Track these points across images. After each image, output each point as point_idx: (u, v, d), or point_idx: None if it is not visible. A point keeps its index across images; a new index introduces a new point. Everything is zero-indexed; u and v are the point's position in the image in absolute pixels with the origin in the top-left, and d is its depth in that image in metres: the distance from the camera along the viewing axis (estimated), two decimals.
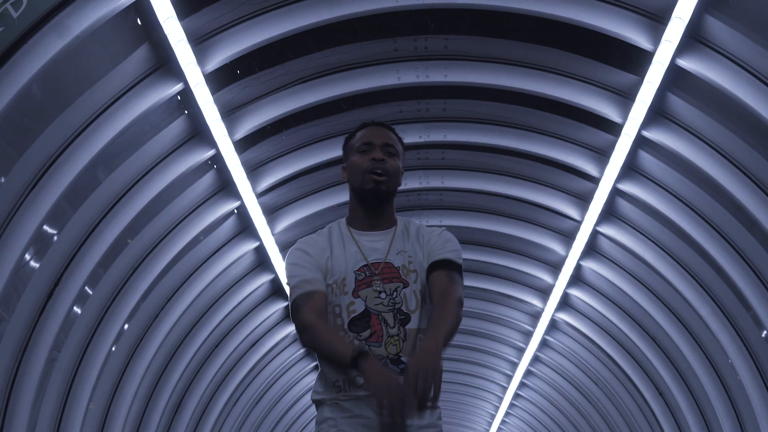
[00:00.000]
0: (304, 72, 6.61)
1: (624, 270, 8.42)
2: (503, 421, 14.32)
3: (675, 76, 6.01)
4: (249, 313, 9.24)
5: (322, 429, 2.98)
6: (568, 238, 8.60)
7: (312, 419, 12.74)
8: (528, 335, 11.03)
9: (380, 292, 2.97)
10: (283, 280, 9.00)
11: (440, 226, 3.22)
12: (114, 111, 5.74)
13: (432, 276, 3.03)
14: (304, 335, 2.93)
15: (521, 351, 11.58)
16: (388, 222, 3.12)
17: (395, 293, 2.98)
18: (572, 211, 8.16)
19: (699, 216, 6.91)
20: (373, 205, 3.10)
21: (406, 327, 2.96)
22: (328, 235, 3.13)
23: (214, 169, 7.22)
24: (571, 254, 8.65)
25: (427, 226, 3.20)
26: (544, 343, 10.99)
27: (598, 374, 10.23)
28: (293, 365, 11.00)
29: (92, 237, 6.34)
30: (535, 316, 10.40)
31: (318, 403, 3.03)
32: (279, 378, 10.90)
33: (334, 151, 7.51)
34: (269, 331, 9.89)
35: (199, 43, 5.85)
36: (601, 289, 8.99)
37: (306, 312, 2.93)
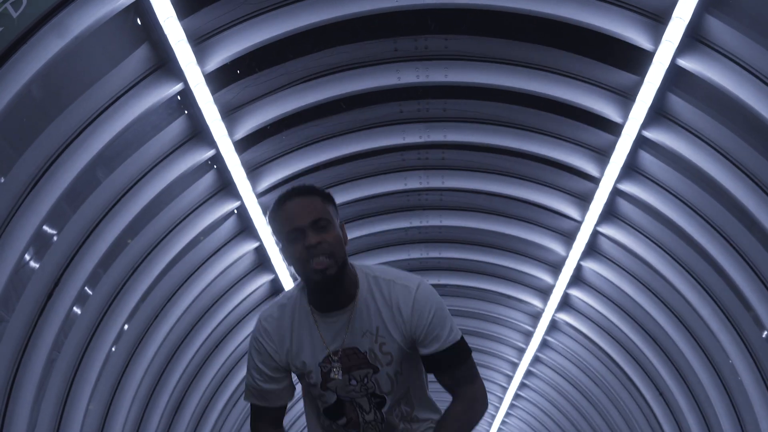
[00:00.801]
0: (305, 72, 6.61)
1: (624, 270, 8.41)
2: (503, 422, 14.32)
3: (675, 76, 6.00)
4: (249, 313, 9.24)
5: None
6: (568, 238, 8.60)
7: None
8: (528, 336, 11.02)
9: (350, 380, 2.78)
10: (284, 279, 9.00)
11: (410, 283, 2.85)
12: (114, 111, 5.73)
13: (442, 378, 2.82)
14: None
15: (521, 351, 11.57)
16: (347, 297, 2.84)
17: (366, 379, 2.80)
18: (572, 212, 8.16)
19: (699, 216, 6.91)
20: (329, 291, 2.84)
21: (383, 410, 2.82)
22: (291, 313, 2.90)
23: (214, 170, 7.22)
24: (571, 254, 8.64)
25: (397, 281, 2.86)
26: (544, 344, 10.98)
27: (599, 375, 10.22)
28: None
29: (92, 237, 6.33)
30: (536, 316, 10.39)
31: None
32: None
33: (335, 152, 7.51)
34: None
35: (199, 43, 5.85)
36: (601, 289, 8.98)
37: (253, 418, 3.03)
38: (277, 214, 2.86)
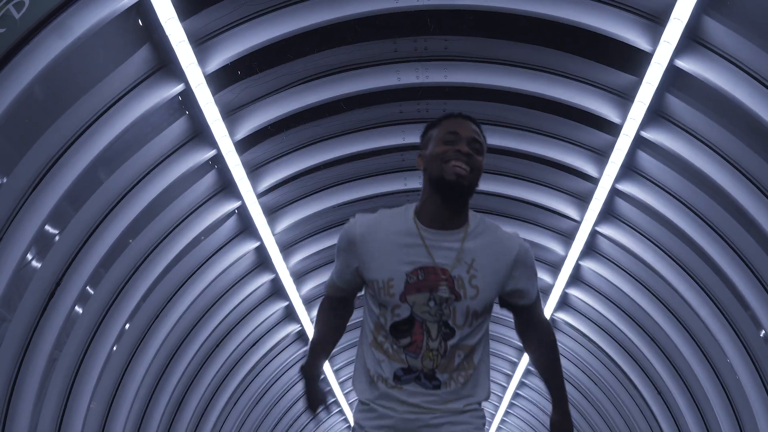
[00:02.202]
0: (305, 72, 6.63)
1: (623, 270, 8.43)
2: (503, 421, 14.34)
3: (673, 77, 6.03)
4: (249, 312, 9.26)
5: None
6: (567, 238, 8.62)
7: (312, 418, 12.75)
8: None
9: (429, 300, 2.77)
10: (284, 279, 9.02)
11: (514, 234, 2.95)
12: (115, 112, 5.76)
13: (528, 317, 3.02)
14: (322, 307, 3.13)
15: (521, 351, 11.60)
16: (459, 221, 2.85)
17: (445, 304, 2.78)
18: (571, 212, 8.18)
19: (697, 216, 6.93)
20: (451, 199, 2.81)
21: (448, 342, 2.79)
22: (390, 220, 2.88)
23: (215, 170, 7.24)
24: (570, 254, 8.67)
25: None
26: None
27: (597, 374, 10.24)
28: (294, 365, 11.01)
29: (93, 237, 6.36)
30: None
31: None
32: (279, 378, 10.92)
33: (335, 152, 7.53)
34: (270, 330, 9.91)
35: (200, 43, 5.87)
36: (600, 288, 9.00)
37: (321, 306, 3.11)
38: (442, 120, 2.93)
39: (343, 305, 3.08)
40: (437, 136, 2.88)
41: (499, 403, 13.63)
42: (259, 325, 9.56)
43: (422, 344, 2.78)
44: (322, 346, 3.08)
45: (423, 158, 2.91)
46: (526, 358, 11.57)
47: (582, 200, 7.97)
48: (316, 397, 3.03)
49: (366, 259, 2.83)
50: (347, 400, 13.40)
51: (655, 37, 5.74)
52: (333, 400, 3.34)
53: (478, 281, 2.80)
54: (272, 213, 8.14)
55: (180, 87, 5.95)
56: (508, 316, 10.76)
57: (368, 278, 2.83)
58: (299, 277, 9.34)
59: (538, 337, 3.07)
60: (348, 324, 3.17)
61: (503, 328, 11.23)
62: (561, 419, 3.08)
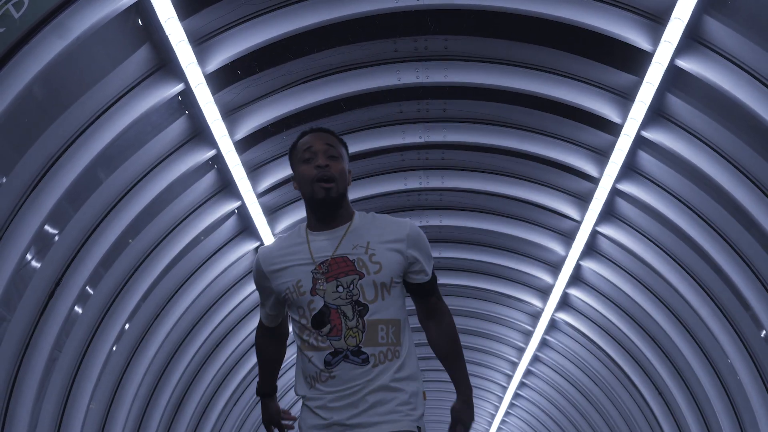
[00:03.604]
0: (305, 72, 6.62)
1: (623, 270, 8.43)
2: (503, 421, 14.33)
3: (674, 77, 6.02)
4: (249, 313, 9.26)
5: None
6: (567, 238, 8.61)
7: None
8: (528, 335, 11.04)
9: (337, 287, 3.04)
10: None
11: (403, 220, 3.22)
12: (115, 111, 5.75)
13: (428, 298, 3.21)
14: (256, 341, 3.54)
15: (521, 351, 11.59)
16: (342, 220, 3.15)
17: (351, 285, 3.03)
18: (572, 212, 8.17)
19: (698, 216, 6.92)
20: (327, 210, 3.14)
21: (365, 318, 3.02)
22: (288, 237, 3.22)
23: (215, 170, 7.23)
24: (570, 254, 8.66)
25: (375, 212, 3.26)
26: (543, 343, 11.00)
27: (598, 374, 10.24)
28: (294, 365, 11.00)
29: (93, 237, 6.35)
30: (535, 316, 10.41)
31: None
32: (279, 378, 10.90)
33: None
34: None
35: (200, 43, 5.86)
36: (600, 289, 9.00)
37: (256, 335, 3.51)
38: (296, 143, 3.26)
39: (274, 328, 3.46)
40: (298, 158, 3.21)
41: (500, 403, 13.63)
42: None
43: (341, 326, 3.02)
44: (268, 366, 3.55)
45: (295, 181, 3.24)
46: (526, 358, 11.57)
47: (582, 200, 7.97)
48: (273, 416, 3.53)
49: (275, 276, 3.14)
50: None
51: (656, 36, 5.73)
52: (291, 421, 3.46)
53: (378, 257, 3.06)
54: (272, 213, 8.14)
55: (180, 87, 5.94)
56: (507, 316, 10.81)
57: (282, 290, 3.13)
58: None
59: (438, 323, 3.23)
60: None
61: (503, 328, 11.23)
62: (461, 407, 3.22)
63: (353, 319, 3.02)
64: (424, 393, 3.15)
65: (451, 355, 3.23)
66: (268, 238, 8.22)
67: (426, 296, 3.22)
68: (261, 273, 3.19)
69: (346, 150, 3.27)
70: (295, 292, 3.08)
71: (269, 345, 3.51)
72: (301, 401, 3.15)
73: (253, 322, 9.43)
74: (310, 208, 3.19)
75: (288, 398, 11.60)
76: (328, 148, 3.16)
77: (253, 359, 9.91)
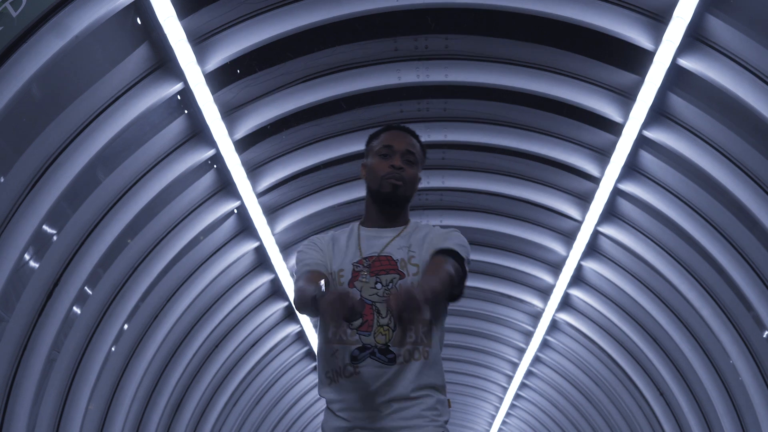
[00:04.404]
0: (304, 72, 6.60)
1: (625, 270, 8.40)
2: (504, 422, 14.31)
3: (676, 76, 6.00)
4: (249, 313, 9.23)
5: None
6: (568, 238, 8.59)
7: (313, 419, 12.74)
8: (529, 335, 11.02)
9: (376, 283, 3.04)
10: (284, 279, 9.00)
11: (453, 227, 3.25)
12: (114, 110, 5.73)
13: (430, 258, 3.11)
14: (294, 299, 3.11)
15: (522, 351, 11.57)
16: (397, 223, 3.19)
17: (390, 284, 3.03)
18: (573, 211, 8.15)
19: (700, 216, 6.90)
20: (387, 207, 3.18)
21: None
22: (340, 233, 3.24)
23: (214, 169, 7.21)
24: (571, 254, 8.64)
25: (441, 227, 3.24)
26: (544, 344, 10.98)
27: (599, 375, 10.22)
28: (293, 365, 10.99)
29: (92, 237, 6.33)
30: (536, 316, 10.39)
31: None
32: (279, 378, 10.90)
33: (335, 151, 7.50)
34: (269, 331, 9.88)
35: (199, 42, 5.84)
36: (601, 289, 8.98)
37: (298, 282, 3.12)
38: (379, 133, 3.24)
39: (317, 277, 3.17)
40: (375, 149, 3.20)
41: (500, 403, 13.61)
42: (258, 326, 9.54)
43: (373, 322, 3.00)
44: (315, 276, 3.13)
45: (364, 168, 3.24)
46: (527, 359, 11.55)
47: (583, 200, 7.95)
48: (349, 303, 2.78)
49: (326, 254, 3.15)
50: None
51: (658, 35, 5.71)
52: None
53: (417, 260, 3.08)
54: (272, 213, 8.12)
55: (179, 86, 5.92)
56: (507, 316, 10.78)
57: (329, 266, 3.13)
58: None
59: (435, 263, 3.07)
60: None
61: (503, 328, 11.21)
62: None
63: (386, 317, 3.00)
64: (449, 401, 3.11)
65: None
66: (267, 238, 8.20)
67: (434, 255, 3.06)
68: (317, 243, 3.20)
69: (424, 157, 3.29)
70: (335, 281, 3.08)
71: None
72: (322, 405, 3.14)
73: (253, 322, 9.42)
74: (372, 201, 3.22)
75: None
76: (408, 153, 3.17)
77: (254, 358, 9.90)
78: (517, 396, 13.07)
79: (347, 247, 3.15)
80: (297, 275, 3.16)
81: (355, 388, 2.97)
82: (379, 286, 3.04)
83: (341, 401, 3.00)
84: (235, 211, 7.85)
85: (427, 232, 3.17)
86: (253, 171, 7.44)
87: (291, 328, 10.19)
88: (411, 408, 2.95)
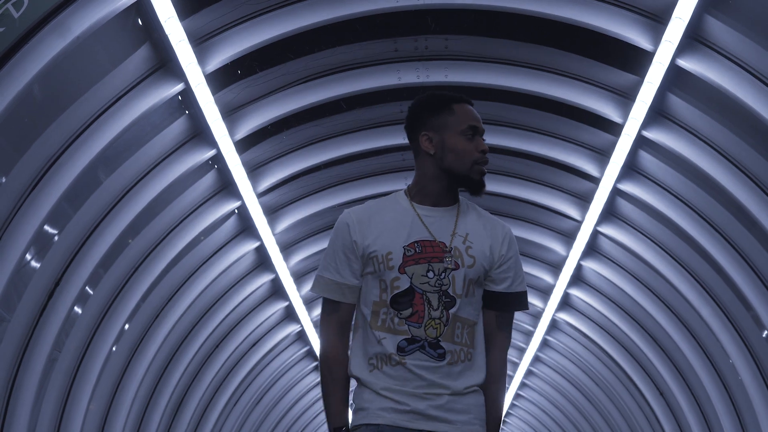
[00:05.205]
0: (305, 72, 6.61)
1: (624, 270, 8.42)
2: (504, 421, 14.33)
3: (675, 77, 6.01)
4: (249, 313, 9.25)
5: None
6: (568, 238, 8.60)
7: (313, 418, 12.75)
8: (528, 335, 11.04)
9: (428, 271, 2.84)
10: (284, 279, 9.01)
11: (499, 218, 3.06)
12: (115, 111, 5.74)
13: (496, 315, 2.93)
14: (320, 365, 2.93)
15: (522, 351, 11.59)
16: (453, 199, 2.98)
17: (443, 274, 2.84)
18: (572, 211, 8.16)
19: (699, 216, 6.91)
20: (467, 191, 2.99)
21: (450, 311, 2.83)
22: (381, 206, 2.96)
23: (215, 169, 7.23)
24: (571, 254, 8.65)
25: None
26: (544, 343, 10.99)
27: (599, 374, 10.23)
28: (294, 365, 11.00)
29: (93, 237, 6.34)
30: (536, 316, 10.40)
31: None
32: (280, 378, 10.91)
33: (335, 152, 7.51)
34: (270, 331, 9.90)
35: (200, 43, 5.85)
36: (601, 289, 8.99)
37: (326, 335, 2.90)
38: (452, 103, 3.00)
39: (348, 315, 2.97)
40: (455, 127, 2.94)
41: None
42: (259, 326, 9.55)
43: (424, 314, 2.82)
44: (343, 384, 2.92)
45: (433, 143, 2.97)
46: (527, 359, 11.57)
47: (583, 200, 7.96)
48: None
49: (366, 234, 2.88)
50: None
51: (657, 36, 5.72)
52: None
53: (474, 251, 2.88)
54: (272, 213, 8.13)
55: (180, 86, 5.94)
56: None
57: (367, 253, 2.87)
58: (299, 277, 9.32)
59: (495, 347, 2.95)
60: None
61: None
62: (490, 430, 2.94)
63: (438, 309, 2.82)
64: None
65: (497, 379, 2.94)
66: (268, 238, 8.22)
67: (494, 317, 2.94)
68: (351, 225, 2.90)
69: None
70: (383, 264, 2.84)
71: (344, 349, 2.95)
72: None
73: (254, 322, 9.43)
74: (441, 177, 2.94)
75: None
76: (483, 132, 2.97)
77: (254, 358, 9.90)
78: (517, 395, 13.09)
79: (399, 225, 2.88)
80: (325, 286, 2.92)
81: (404, 377, 2.80)
82: (431, 275, 2.84)
83: (386, 389, 2.81)
84: (236, 211, 7.87)
85: (486, 220, 2.97)
86: (254, 171, 7.45)
87: (291, 328, 10.21)
88: (463, 413, 2.82)
